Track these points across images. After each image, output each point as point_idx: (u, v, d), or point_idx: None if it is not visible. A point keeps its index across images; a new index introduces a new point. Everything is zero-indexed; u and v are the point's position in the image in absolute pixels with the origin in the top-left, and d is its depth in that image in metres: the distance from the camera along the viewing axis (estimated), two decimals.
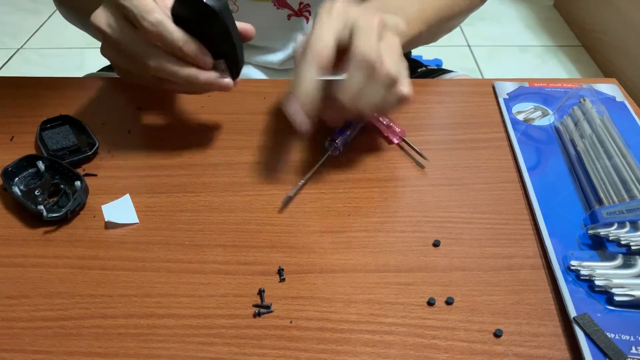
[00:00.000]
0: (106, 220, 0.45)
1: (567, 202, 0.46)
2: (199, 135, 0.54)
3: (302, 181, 0.48)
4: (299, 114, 0.43)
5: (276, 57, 0.70)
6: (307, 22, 0.67)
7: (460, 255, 0.43)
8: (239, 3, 0.65)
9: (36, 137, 0.52)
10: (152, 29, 0.43)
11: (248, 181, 0.49)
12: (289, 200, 0.47)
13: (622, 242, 0.41)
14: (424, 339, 0.37)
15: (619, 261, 0.40)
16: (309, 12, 0.66)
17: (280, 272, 0.41)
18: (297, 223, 0.45)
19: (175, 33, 0.44)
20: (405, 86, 0.46)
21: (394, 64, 0.44)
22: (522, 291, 0.40)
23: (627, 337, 0.36)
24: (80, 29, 0.69)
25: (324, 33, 0.43)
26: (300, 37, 0.51)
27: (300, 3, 0.65)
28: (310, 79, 0.43)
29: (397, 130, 0.52)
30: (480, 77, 1.69)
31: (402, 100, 0.46)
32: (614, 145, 0.49)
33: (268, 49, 0.70)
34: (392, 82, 0.44)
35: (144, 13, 0.43)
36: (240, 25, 0.47)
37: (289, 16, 0.66)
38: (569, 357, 0.36)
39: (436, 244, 0.43)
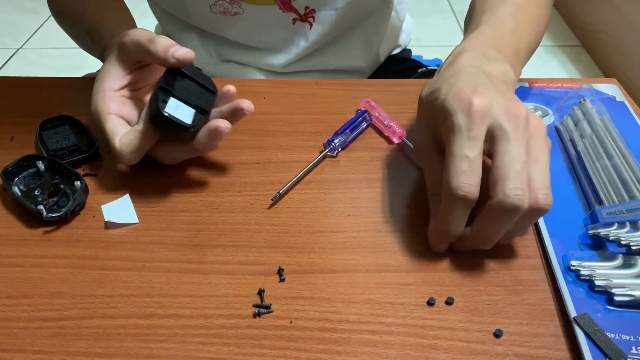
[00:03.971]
0: (106, 220, 0.45)
1: (567, 202, 0.46)
2: None
3: (295, 179, 0.48)
4: (441, 244, 0.42)
5: (278, 60, 0.70)
6: (310, 28, 0.67)
7: (460, 255, 0.43)
8: (244, 6, 0.65)
9: (36, 137, 0.52)
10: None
11: (248, 181, 0.49)
12: (279, 197, 0.47)
13: (622, 242, 0.41)
14: (424, 339, 0.37)
15: (619, 261, 0.40)
16: (313, 17, 0.66)
17: (280, 272, 0.41)
18: (297, 223, 0.45)
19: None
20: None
21: (544, 194, 0.37)
22: (522, 291, 0.40)
23: (627, 337, 0.36)
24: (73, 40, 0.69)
25: (470, 169, 0.37)
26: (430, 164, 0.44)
27: (307, 7, 0.65)
28: (460, 221, 0.39)
29: (397, 130, 0.52)
30: None
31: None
32: (614, 145, 0.49)
33: (270, 51, 0.70)
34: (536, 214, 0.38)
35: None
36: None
37: (293, 20, 0.66)
38: (569, 357, 0.36)
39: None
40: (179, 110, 0.44)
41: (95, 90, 0.48)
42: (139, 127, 0.45)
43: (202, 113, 0.45)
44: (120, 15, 0.59)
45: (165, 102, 0.44)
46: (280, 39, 0.69)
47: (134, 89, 0.50)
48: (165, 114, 0.43)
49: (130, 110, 0.48)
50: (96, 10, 0.59)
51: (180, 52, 0.45)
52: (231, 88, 0.48)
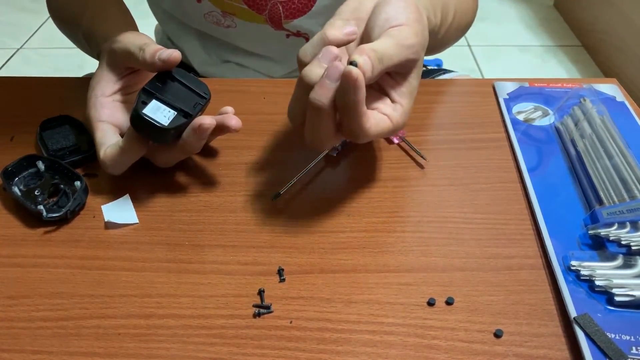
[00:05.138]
0: (106, 220, 0.45)
1: (568, 202, 0.46)
2: None
3: (295, 179, 0.48)
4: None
5: (276, 68, 0.70)
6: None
7: (460, 255, 0.43)
8: (236, 21, 0.65)
9: (36, 137, 0.52)
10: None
11: (248, 181, 0.49)
12: (278, 196, 0.47)
13: (623, 242, 0.41)
14: (424, 339, 0.37)
15: (619, 261, 0.40)
16: (308, 34, 0.66)
17: (280, 272, 0.41)
18: (297, 223, 0.45)
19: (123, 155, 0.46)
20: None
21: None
22: (523, 291, 0.40)
23: (628, 338, 0.36)
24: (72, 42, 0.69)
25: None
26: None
27: (298, 31, 0.65)
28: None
29: None
30: (480, 77, 1.69)
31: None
32: (614, 145, 0.49)
33: (269, 59, 0.70)
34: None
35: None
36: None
37: (287, 36, 0.66)
38: (569, 357, 0.36)
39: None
40: (159, 113, 0.44)
41: (88, 97, 0.48)
42: (121, 144, 0.45)
43: (185, 116, 0.45)
44: (118, 19, 0.59)
45: (146, 103, 0.44)
46: (277, 51, 0.69)
47: (127, 93, 0.50)
48: (142, 115, 0.43)
49: (122, 116, 0.49)
50: (94, 14, 0.58)
51: (165, 53, 0.45)
52: (229, 109, 0.48)
